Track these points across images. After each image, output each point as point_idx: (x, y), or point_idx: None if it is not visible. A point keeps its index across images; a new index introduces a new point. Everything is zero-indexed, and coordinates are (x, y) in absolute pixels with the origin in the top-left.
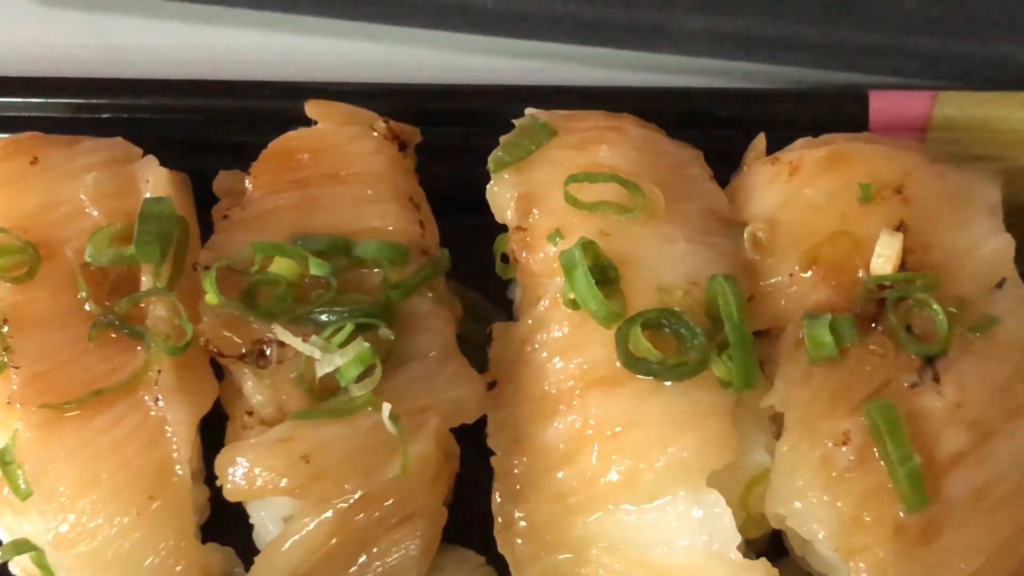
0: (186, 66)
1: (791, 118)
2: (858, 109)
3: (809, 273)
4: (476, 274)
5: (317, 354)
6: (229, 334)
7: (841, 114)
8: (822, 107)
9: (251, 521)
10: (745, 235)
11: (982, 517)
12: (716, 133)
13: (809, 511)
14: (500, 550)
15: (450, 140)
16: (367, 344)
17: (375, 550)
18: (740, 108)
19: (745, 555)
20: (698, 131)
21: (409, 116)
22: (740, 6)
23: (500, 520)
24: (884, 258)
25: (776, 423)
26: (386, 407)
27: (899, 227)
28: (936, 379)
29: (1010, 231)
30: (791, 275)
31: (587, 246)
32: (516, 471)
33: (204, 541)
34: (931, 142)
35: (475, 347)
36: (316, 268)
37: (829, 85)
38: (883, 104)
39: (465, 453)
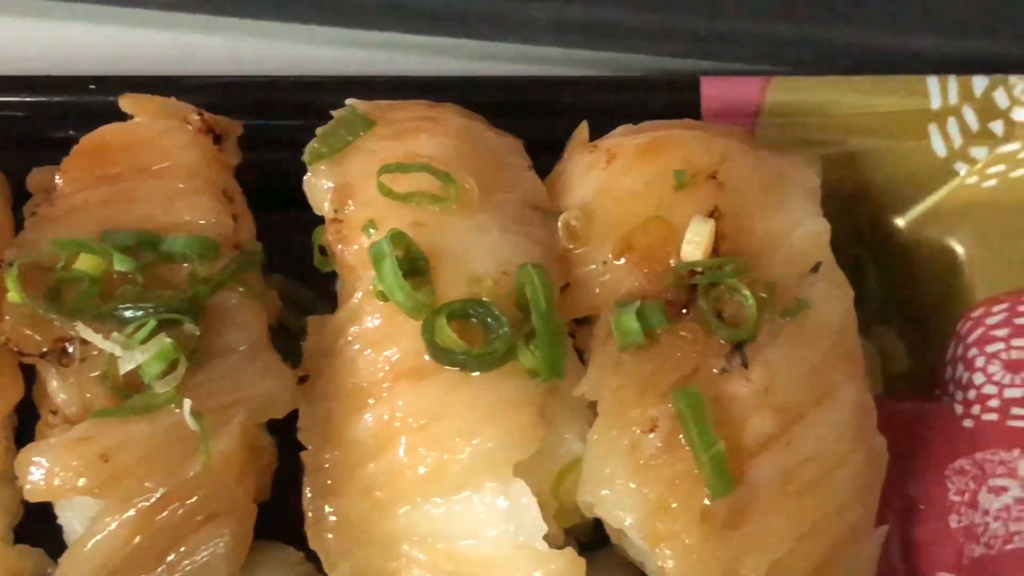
0: (4, 62)
1: (622, 106)
2: (690, 96)
3: (623, 260)
4: (309, 268)
5: (118, 351)
6: (30, 332)
7: (673, 101)
8: (653, 94)
9: (59, 522)
10: (559, 224)
11: (789, 501)
12: (548, 122)
13: (617, 499)
14: (311, 546)
15: (279, 132)
16: (169, 340)
17: (183, 548)
18: (571, 96)
19: (565, 544)
20: (531, 120)
21: (235, 109)
22: None
23: (311, 515)
24: (694, 244)
25: (596, 412)
26: (187, 403)
27: (713, 213)
28: (744, 364)
29: (842, 215)
30: (605, 263)
31: (396, 237)
32: (326, 466)
33: (17, 542)
34: (763, 127)
35: (299, 341)
36: (121, 264)
37: (662, 72)
38: (715, 90)
39: (286, 449)
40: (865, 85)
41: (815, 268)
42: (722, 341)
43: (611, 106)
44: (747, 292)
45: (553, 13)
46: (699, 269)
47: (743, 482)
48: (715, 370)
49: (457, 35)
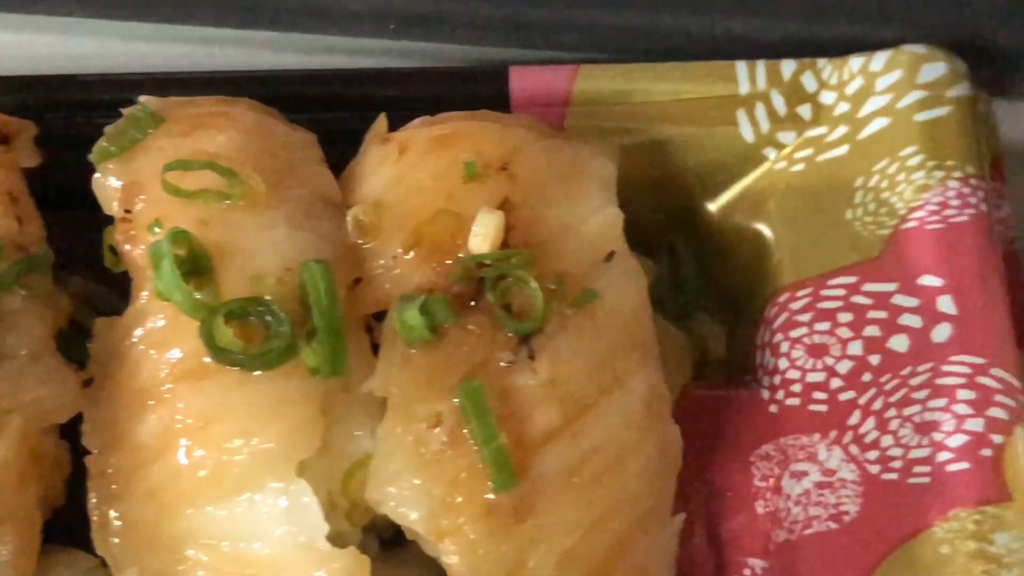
0: None
1: (432, 98)
2: (500, 86)
3: (412, 254)
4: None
5: None
6: None
7: (482, 92)
8: (462, 85)
9: None
10: (348, 218)
11: (576, 493)
12: (359, 115)
13: (402, 496)
14: (98, 551)
15: (80, 130)
16: None
17: None
18: (380, 89)
19: (363, 542)
20: (339, 112)
21: (29, 107)
22: None
23: (96, 520)
24: (481, 236)
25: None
26: None
27: (503, 204)
28: (531, 356)
29: (654, 202)
30: (395, 257)
31: (177, 236)
32: (110, 470)
33: None
34: (572, 116)
35: None
36: None
37: (473, 61)
38: (523, 80)
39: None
40: (674, 72)
41: (608, 257)
42: (510, 334)
43: (420, 98)
44: (534, 284)
45: (370, 4)
46: (487, 261)
47: (529, 475)
48: (502, 363)
49: (275, 28)
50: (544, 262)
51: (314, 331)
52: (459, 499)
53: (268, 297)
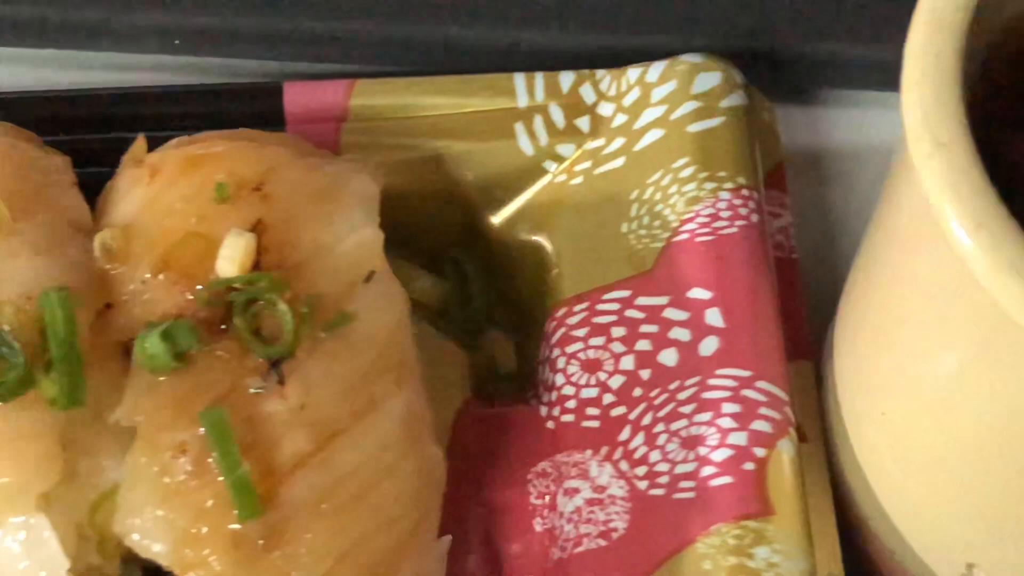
0: None
1: (205, 115)
2: (275, 102)
3: (161, 279)
4: None
5: None
6: None
7: (258, 109)
8: (236, 102)
9: None
10: (95, 243)
11: (327, 519)
12: (126, 135)
13: (146, 527)
14: None
15: None
16: None
17: None
18: (152, 107)
19: (125, 575)
20: (110, 132)
21: None
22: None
23: None
24: (229, 259)
25: None
26: None
27: (256, 226)
28: (281, 382)
29: (437, 216)
30: (144, 282)
31: None
32: None
33: None
34: (348, 132)
35: None
36: None
37: (269, 76)
38: (298, 96)
39: None
40: (453, 85)
41: (368, 278)
42: (260, 359)
43: (194, 116)
44: (284, 307)
45: (155, 20)
46: (235, 285)
47: (277, 503)
48: (251, 389)
49: (57, 46)
50: (298, 284)
51: (52, 361)
52: (204, 530)
53: (5, 327)
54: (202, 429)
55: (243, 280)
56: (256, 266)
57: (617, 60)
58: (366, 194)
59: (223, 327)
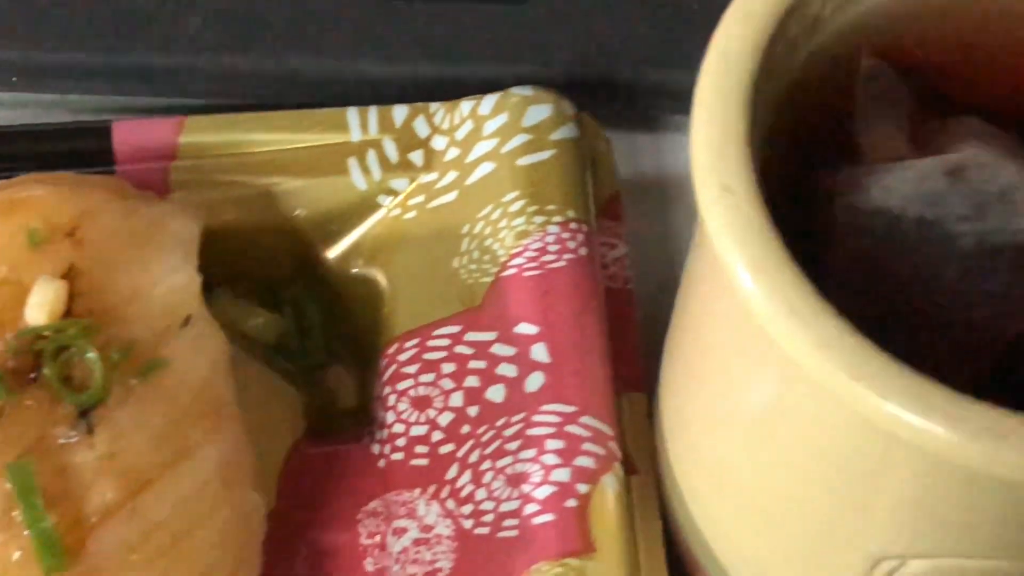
0: None
1: (32, 156)
2: (105, 141)
3: None
4: None
5: None
6: None
7: (87, 148)
8: (64, 142)
9: None
10: None
11: (137, 571)
12: None
13: None
14: None
15: None
16: None
17: None
18: None
19: None
20: None
21: None
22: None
23: None
24: (38, 306)
25: None
26: None
27: (69, 271)
28: (90, 431)
29: (273, 252)
30: None
31: None
32: None
33: None
34: (178, 171)
35: None
36: None
37: (91, 111)
38: (127, 135)
39: None
40: (285, 121)
41: (185, 322)
42: (70, 408)
43: (22, 156)
44: (93, 355)
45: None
46: (44, 333)
47: (85, 555)
48: (60, 440)
49: None
50: (111, 330)
51: None
52: None
53: None
54: (8, 483)
55: (52, 328)
56: (68, 313)
57: (456, 91)
58: (185, 237)
59: (32, 376)
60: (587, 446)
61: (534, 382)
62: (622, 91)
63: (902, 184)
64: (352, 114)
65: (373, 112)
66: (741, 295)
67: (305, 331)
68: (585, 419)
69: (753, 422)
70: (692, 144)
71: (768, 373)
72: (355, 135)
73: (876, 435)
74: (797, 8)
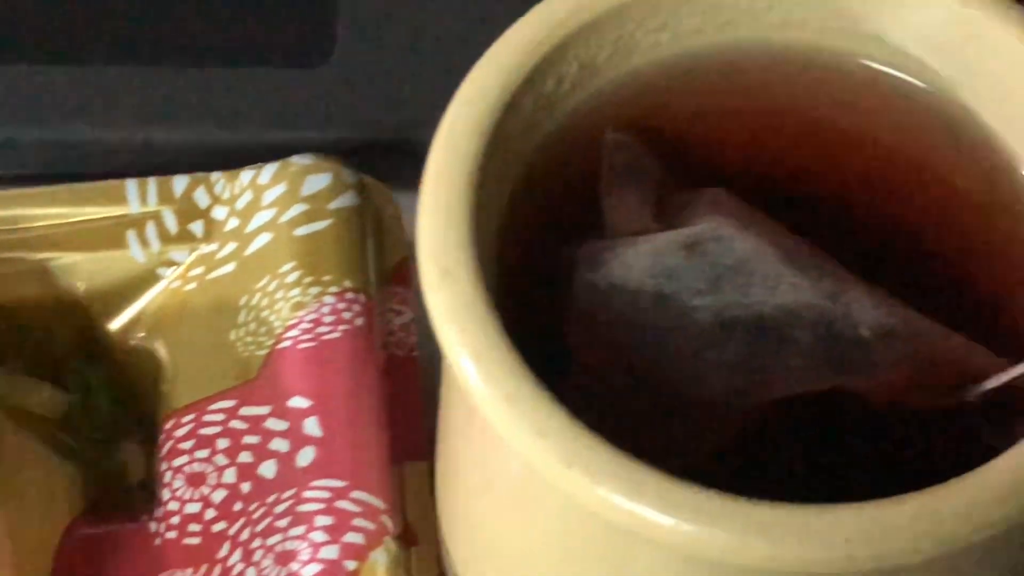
0: None
1: None
2: None
3: None
4: None
5: None
6: None
7: None
8: None
9: None
10: None
11: None
12: None
13: None
14: None
15: None
16: None
17: None
18: None
19: None
20: None
21: None
22: None
23: None
24: None
25: None
26: None
27: None
28: None
29: (47, 329)
30: None
31: None
32: None
33: None
34: None
35: None
36: None
37: None
38: None
39: None
40: (63, 195)
41: None
42: None
43: None
44: None
45: None
46: None
47: None
48: None
49: None
50: None
51: None
52: None
53: None
54: None
55: None
56: None
57: (247, 158)
58: None
59: None
60: (357, 521)
61: (305, 457)
62: (414, 155)
63: (640, 259)
64: (131, 186)
65: (152, 183)
66: (459, 381)
67: (90, 406)
68: (355, 494)
69: (495, 518)
70: (417, 229)
71: (497, 457)
72: (134, 207)
73: (599, 522)
74: (529, 87)
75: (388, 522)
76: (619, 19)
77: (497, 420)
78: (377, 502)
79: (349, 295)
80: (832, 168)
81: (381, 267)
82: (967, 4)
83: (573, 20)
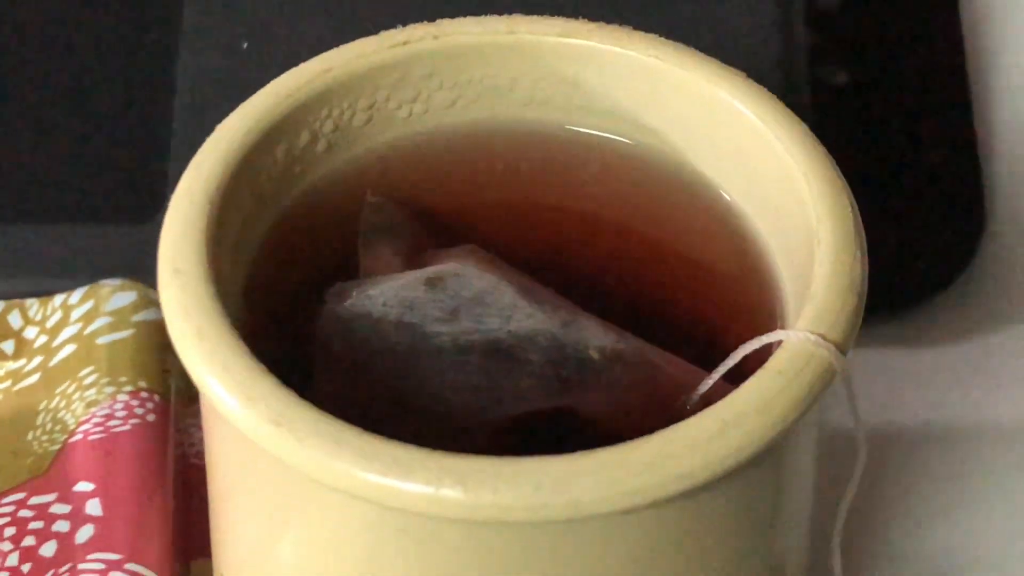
0: None
1: None
2: None
3: None
4: None
5: None
6: None
7: None
8: None
9: None
10: None
11: None
12: None
13: None
14: None
15: None
16: None
17: None
18: None
19: None
20: None
21: None
22: None
23: None
24: None
25: None
26: None
27: None
28: None
29: None
30: None
31: None
32: None
33: None
34: None
35: None
36: None
37: None
38: None
39: None
40: None
41: None
42: None
43: None
44: None
45: None
46: None
47: None
48: None
49: None
50: None
51: None
52: None
53: None
54: None
55: None
56: None
57: None
58: None
59: None
60: None
61: (84, 534)
62: None
63: (384, 292)
64: None
65: None
66: (186, 363)
67: None
68: (130, 565)
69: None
70: (160, 242)
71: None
72: None
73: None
74: (280, 135)
75: None
76: (371, 84)
77: (214, 394)
78: (150, 574)
79: (143, 394)
80: (579, 233)
81: (188, 385)
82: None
83: (323, 78)
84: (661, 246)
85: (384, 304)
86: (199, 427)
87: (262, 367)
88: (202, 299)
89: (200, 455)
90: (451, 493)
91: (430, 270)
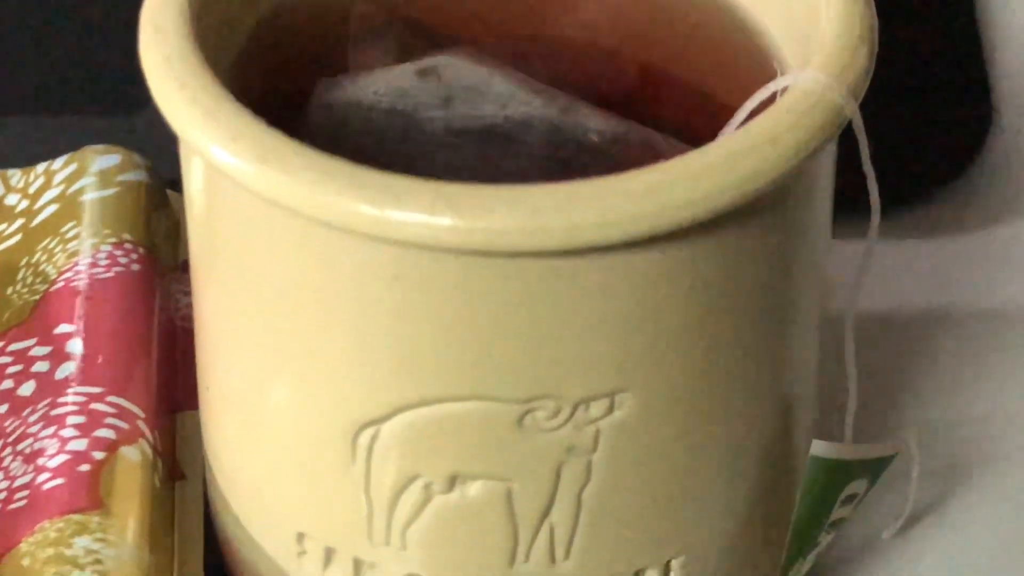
0: None
1: None
2: None
3: None
4: None
5: None
6: None
7: None
8: None
9: None
10: None
11: None
12: None
13: None
14: None
15: None
16: None
17: None
18: None
19: None
20: None
21: None
22: None
23: None
24: None
25: None
26: None
27: None
28: None
29: None
30: None
31: None
32: None
33: None
34: None
35: None
36: None
37: None
38: None
39: None
40: None
41: None
42: None
43: None
44: None
45: None
46: None
47: None
48: None
49: None
50: None
51: None
52: None
53: None
54: None
55: None
56: None
57: None
58: None
59: None
60: (110, 420)
61: (64, 371)
62: None
63: (376, 83)
64: None
65: None
66: (170, 112)
67: None
68: (112, 398)
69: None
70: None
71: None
72: None
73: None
74: None
75: (144, 428)
76: None
77: (197, 136)
78: (134, 408)
79: (127, 245)
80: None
81: (173, 255)
82: None
83: None
84: (654, 31)
85: (375, 92)
86: (186, 292)
87: (247, 111)
88: (184, 53)
89: (187, 318)
90: (445, 220)
91: (422, 62)
